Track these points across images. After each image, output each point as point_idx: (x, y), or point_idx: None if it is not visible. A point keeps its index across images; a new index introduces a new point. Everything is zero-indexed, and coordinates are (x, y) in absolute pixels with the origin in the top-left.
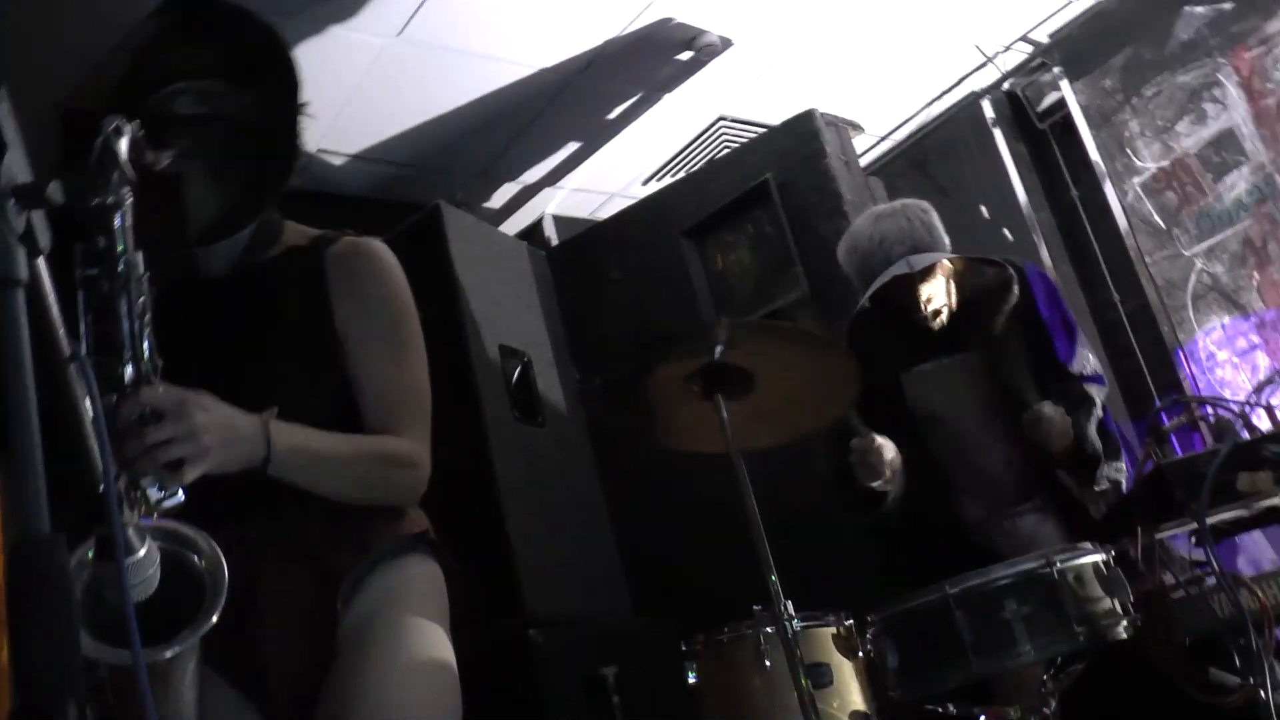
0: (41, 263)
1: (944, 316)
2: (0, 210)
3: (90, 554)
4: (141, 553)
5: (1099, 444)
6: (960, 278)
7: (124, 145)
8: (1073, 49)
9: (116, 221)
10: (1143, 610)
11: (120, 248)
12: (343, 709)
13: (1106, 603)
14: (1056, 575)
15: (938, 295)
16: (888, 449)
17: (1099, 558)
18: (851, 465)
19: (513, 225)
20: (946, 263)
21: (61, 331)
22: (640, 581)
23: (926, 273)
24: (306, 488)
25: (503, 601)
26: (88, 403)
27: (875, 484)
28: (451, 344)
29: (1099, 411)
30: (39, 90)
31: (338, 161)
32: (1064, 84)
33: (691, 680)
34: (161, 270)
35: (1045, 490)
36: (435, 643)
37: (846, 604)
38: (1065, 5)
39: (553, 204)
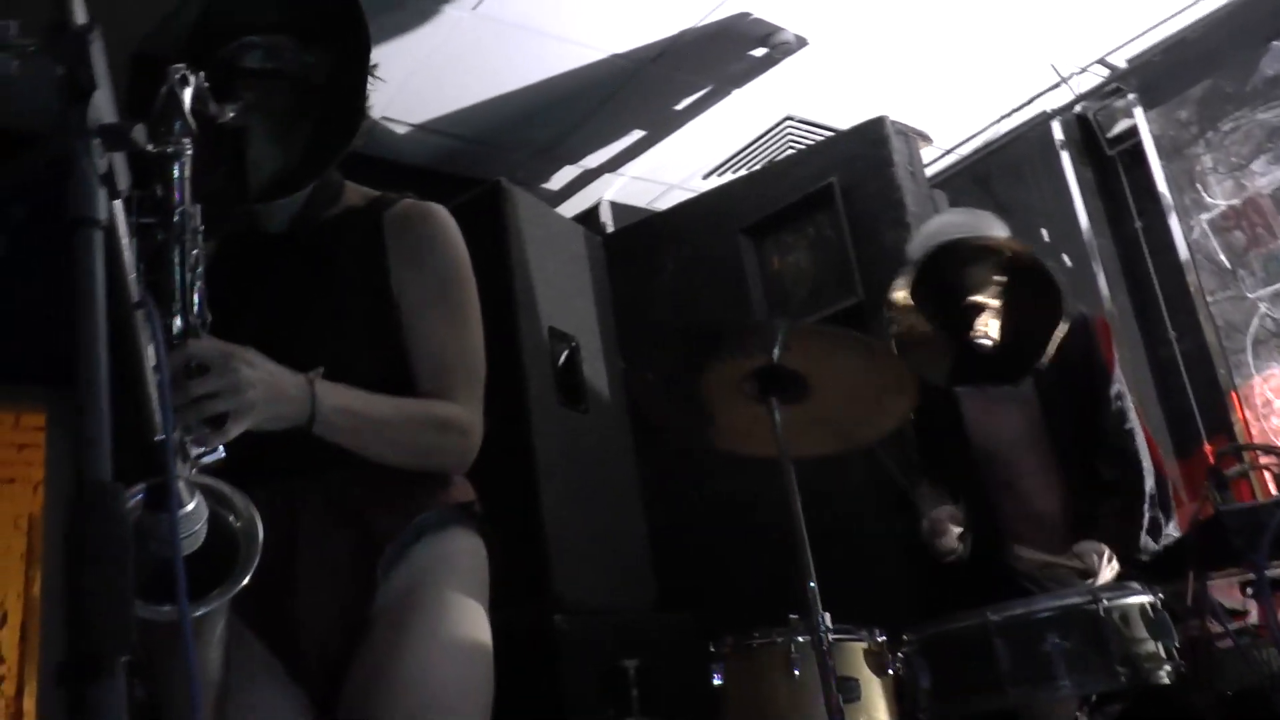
0: (118, 206)
1: (989, 328)
2: (85, 149)
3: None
4: (191, 506)
5: (1153, 543)
6: (1012, 298)
7: (188, 95)
8: (1150, 76)
9: (175, 171)
10: (1187, 657)
11: (177, 198)
12: (376, 679)
13: (1151, 645)
14: (1102, 612)
15: (984, 285)
16: (952, 525)
17: (1147, 599)
18: (923, 535)
19: (569, 208)
20: (1002, 252)
21: (132, 277)
22: (666, 575)
23: (978, 255)
24: (352, 450)
25: (531, 584)
26: (149, 351)
27: (950, 556)
28: (501, 322)
29: (1147, 507)
30: (109, 33)
31: (401, 130)
32: (1138, 111)
33: (717, 682)
34: (220, 224)
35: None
36: (474, 621)
37: (872, 619)
38: (1146, 31)
39: (611, 190)
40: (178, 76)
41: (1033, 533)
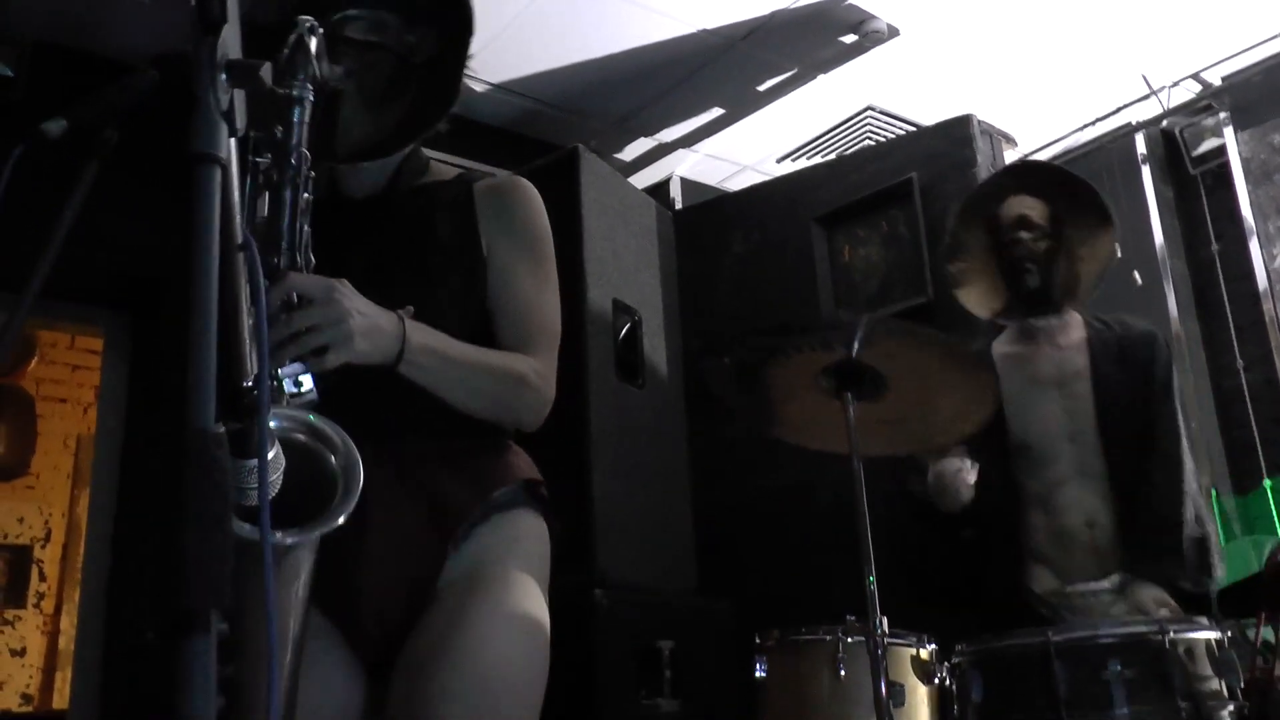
0: (233, 145)
1: (1038, 245)
2: (212, 83)
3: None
4: (270, 454)
5: (1210, 583)
6: (1068, 232)
7: (315, 44)
8: (1244, 96)
9: (296, 115)
10: (1251, 698)
11: (295, 140)
12: (435, 650)
13: (1215, 683)
14: (1168, 644)
15: (1033, 210)
16: (969, 471)
17: (1214, 635)
18: (930, 489)
19: (639, 180)
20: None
21: (239, 218)
22: (708, 561)
23: (1032, 178)
24: (435, 391)
25: (574, 556)
26: (246, 293)
27: (954, 509)
28: (567, 289)
29: (1212, 541)
30: None
31: (479, 88)
32: (1228, 131)
33: (760, 674)
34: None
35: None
36: (536, 602)
37: (912, 625)
38: (1245, 50)
39: (683, 166)
40: (307, 25)
41: (1059, 555)
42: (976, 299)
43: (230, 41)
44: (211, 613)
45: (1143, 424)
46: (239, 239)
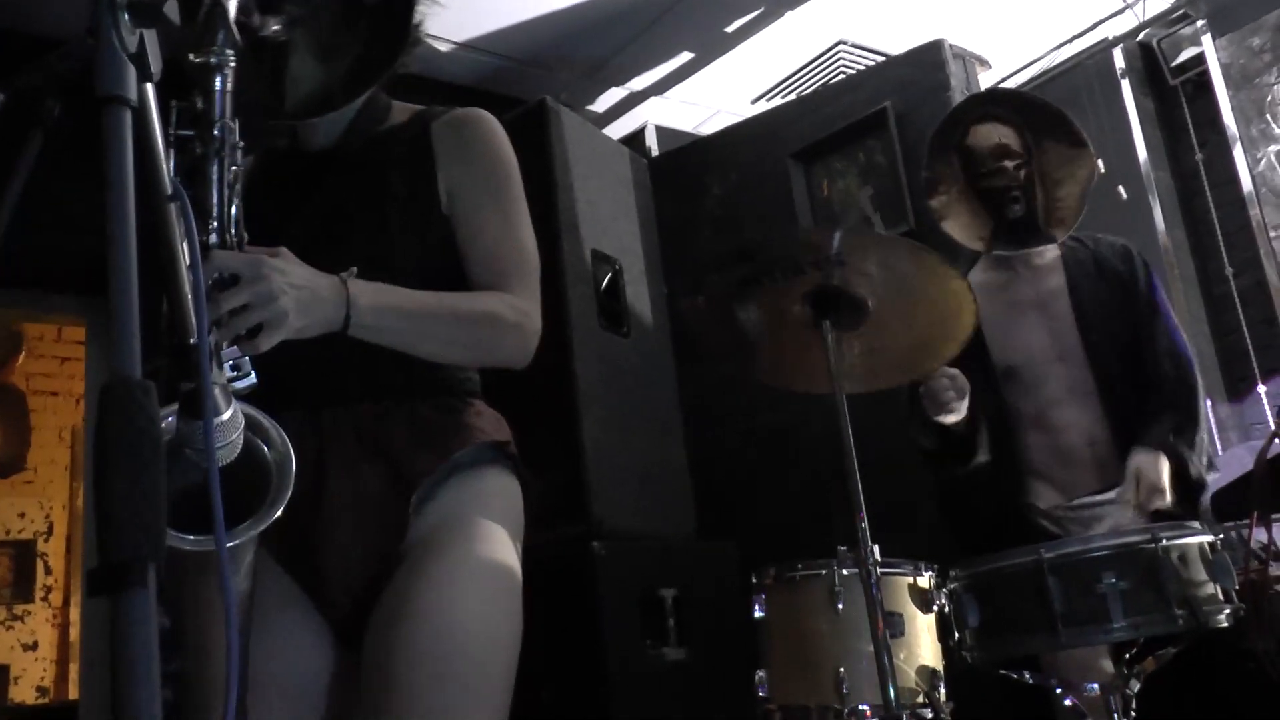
0: (150, 90)
1: (1018, 172)
2: (113, 20)
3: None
4: (226, 415)
5: (1204, 472)
6: (1041, 158)
7: (233, 5)
8: (1221, 2)
9: (217, 84)
10: (1247, 600)
11: (218, 111)
12: (401, 606)
13: (1210, 587)
14: (1160, 552)
15: (1006, 139)
16: (958, 375)
17: (1206, 539)
18: (925, 406)
19: (614, 131)
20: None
21: (165, 166)
22: (706, 503)
23: (1000, 107)
24: (398, 348)
25: (569, 509)
26: (183, 248)
27: (947, 418)
28: (544, 243)
29: (1203, 434)
30: None
31: (444, 48)
32: (1206, 39)
33: (759, 614)
34: (259, 139)
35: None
36: (504, 555)
37: (914, 554)
38: None
39: (657, 114)
40: None
41: (1061, 471)
42: (962, 230)
43: None
44: (148, 565)
45: (1129, 340)
46: (168, 190)
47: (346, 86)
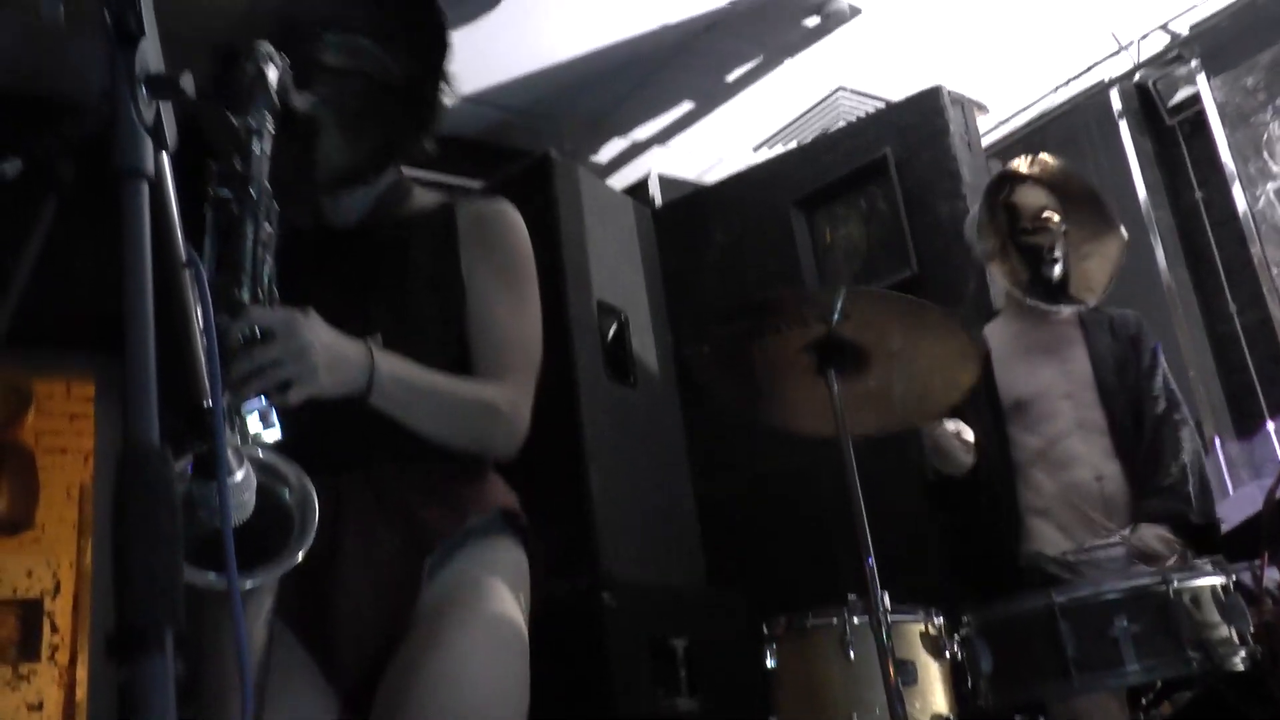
0: (166, 161)
1: (1056, 247)
2: (132, 95)
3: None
4: (239, 475)
5: (1212, 512)
6: (1073, 233)
7: (274, 74)
8: (1214, 43)
9: (256, 146)
10: (1262, 641)
11: (255, 172)
12: (410, 673)
13: (1224, 630)
14: (1172, 595)
15: (1048, 203)
16: (965, 430)
17: (1218, 580)
18: (929, 456)
19: (617, 181)
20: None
21: (180, 236)
22: (715, 552)
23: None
24: (404, 421)
25: (578, 559)
26: (197, 313)
27: (958, 470)
28: (549, 295)
29: (1191, 471)
30: (192, 24)
31: (448, 102)
32: (1200, 79)
33: (770, 664)
34: (288, 214)
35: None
36: (512, 625)
37: (925, 597)
38: None
39: (660, 163)
40: (265, 53)
41: (1065, 511)
42: (1005, 276)
43: (150, 54)
44: (165, 629)
45: (1137, 391)
46: (183, 257)
47: (374, 161)
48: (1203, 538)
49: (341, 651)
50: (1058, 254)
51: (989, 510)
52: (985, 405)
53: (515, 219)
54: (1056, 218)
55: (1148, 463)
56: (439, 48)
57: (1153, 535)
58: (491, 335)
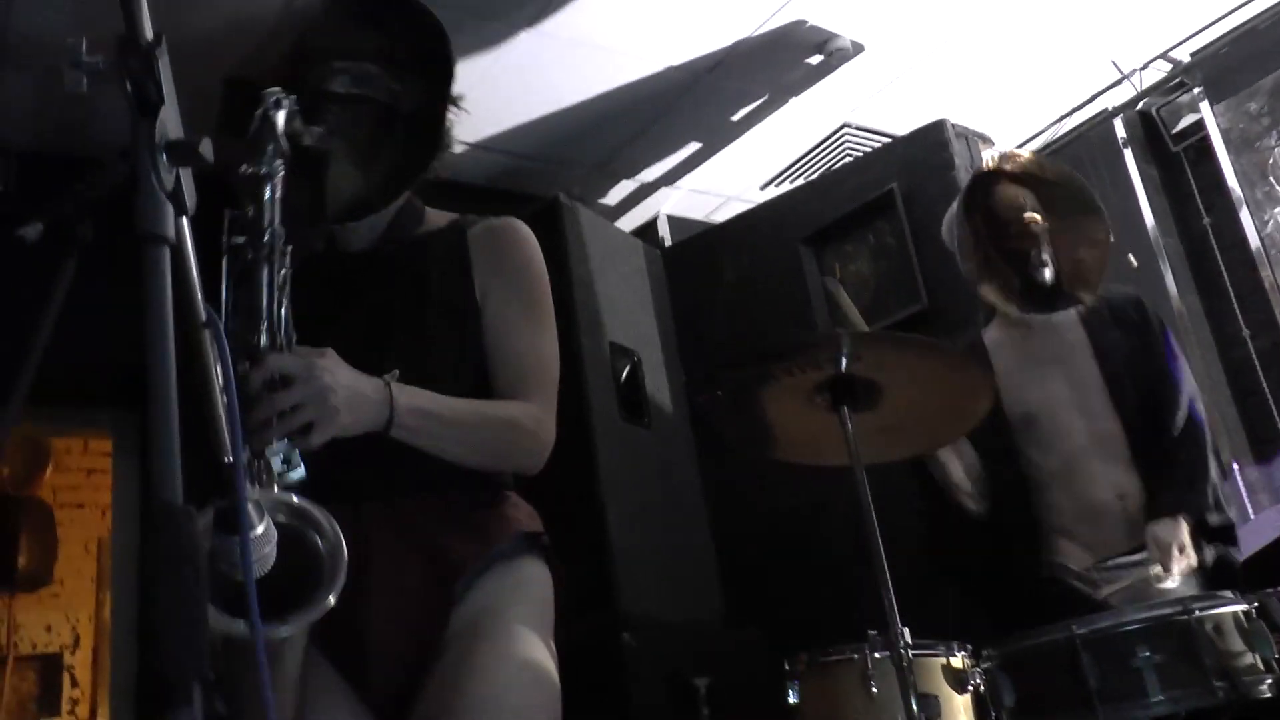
0: (185, 224)
1: (1043, 250)
2: (153, 164)
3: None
4: (260, 529)
5: (1226, 514)
6: (1057, 225)
7: (282, 118)
8: (1216, 69)
9: (267, 193)
10: None
11: (268, 219)
12: (446, 701)
13: (1248, 657)
14: (1194, 624)
15: (1027, 202)
16: (952, 464)
17: (1240, 608)
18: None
19: (627, 223)
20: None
21: (199, 295)
22: (733, 589)
23: (1013, 177)
24: (429, 451)
25: (596, 600)
26: (217, 370)
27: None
28: (563, 338)
29: (1214, 475)
30: (203, 56)
31: (457, 149)
32: (1204, 105)
33: (792, 700)
34: (301, 243)
35: None
36: (541, 649)
37: (945, 634)
38: (1211, 24)
39: (669, 204)
40: (272, 100)
41: (1088, 529)
42: (996, 294)
43: (170, 121)
44: (193, 684)
45: (1150, 388)
46: (202, 317)
47: (384, 190)
48: (1219, 534)
49: (375, 677)
50: (1045, 257)
51: (1008, 525)
52: (993, 425)
53: (526, 233)
54: (1039, 218)
55: (1168, 450)
56: (444, 70)
57: (1161, 530)
58: (512, 355)
